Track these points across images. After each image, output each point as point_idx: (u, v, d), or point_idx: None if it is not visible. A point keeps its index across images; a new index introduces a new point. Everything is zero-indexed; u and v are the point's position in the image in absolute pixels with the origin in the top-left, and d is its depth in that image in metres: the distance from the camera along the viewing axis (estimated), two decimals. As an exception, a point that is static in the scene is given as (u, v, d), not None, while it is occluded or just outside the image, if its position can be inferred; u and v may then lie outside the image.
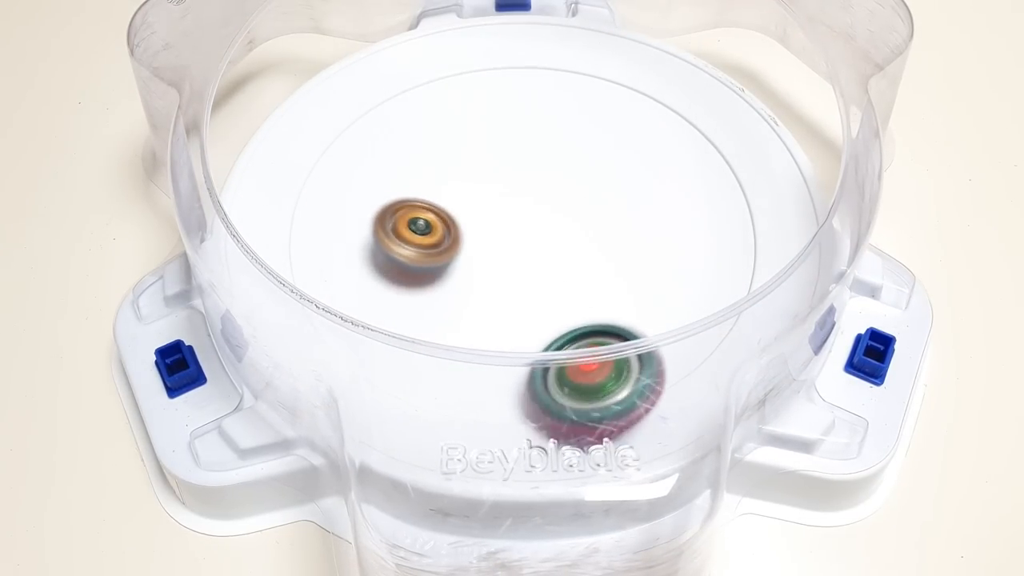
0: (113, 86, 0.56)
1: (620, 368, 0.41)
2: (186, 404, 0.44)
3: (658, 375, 0.41)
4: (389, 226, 0.47)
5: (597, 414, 0.40)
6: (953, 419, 0.47)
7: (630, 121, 0.52)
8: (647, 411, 0.40)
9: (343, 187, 0.49)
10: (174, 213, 0.44)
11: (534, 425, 0.40)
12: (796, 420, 0.43)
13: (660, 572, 0.40)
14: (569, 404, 0.40)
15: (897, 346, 0.45)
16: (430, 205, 0.48)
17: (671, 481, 0.40)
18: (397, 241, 0.46)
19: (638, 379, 0.41)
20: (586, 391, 0.40)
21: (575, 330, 0.44)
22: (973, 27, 0.59)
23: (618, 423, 0.40)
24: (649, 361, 0.41)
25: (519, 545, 0.40)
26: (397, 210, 0.47)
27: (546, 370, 0.41)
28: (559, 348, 0.43)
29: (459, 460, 0.40)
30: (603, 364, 0.40)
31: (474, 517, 0.40)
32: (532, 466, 0.40)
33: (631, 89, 0.53)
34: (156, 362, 0.45)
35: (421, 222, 0.47)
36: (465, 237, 0.48)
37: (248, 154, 0.50)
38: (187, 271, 0.47)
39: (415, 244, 0.46)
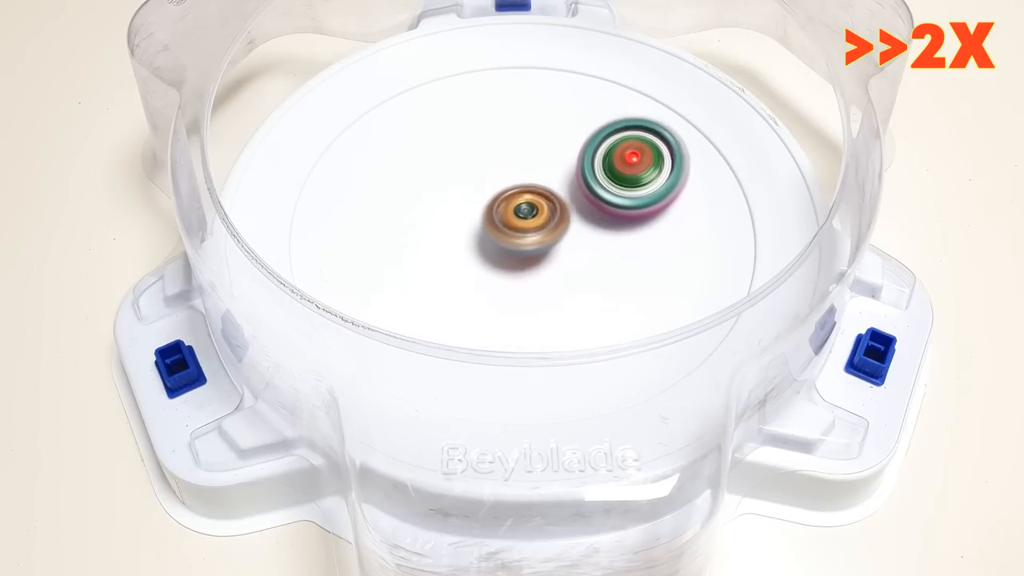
0: (113, 86, 0.56)
1: (656, 163, 0.47)
2: (186, 404, 0.44)
3: (683, 172, 0.47)
4: (498, 219, 0.47)
5: (630, 202, 0.47)
6: (953, 419, 0.47)
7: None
8: (670, 204, 0.48)
9: (343, 187, 0.49)
10: (174, 213, 0.44)
11: (581, 203, 0.48)
12: (796, 420, 0.43)
13: (660, 572, 0.40)
14: (611, 190, 0.47)
15: (897, 346, 0.45)
16: (527, 187, 0.48)
17: (671, 481, 0.40)
18: (511, 232, 0.46)
19: (669, 175, 0.47)
20: (626, 180, 0.47)
21: (617, 122, 0.49)
22: (973, 27, 0.59)
23: (646, 211, 0.47)
24: (679, 161, 0.47)
25: (520, 545, 0.40)
26: (499, 202, 0.47)
27: (593, 157, 0.48)
28: (603, 139, 0.48)
29: (460, 460, 0.40)
30: (643, 158, 0.47)
31: (475, 517, 0.40)
32: (532, 466, 0.40)
33: (631, 89, 0.52)
34: (156, 362, 0.45)
35: (524, 207, 0.47)
36: (466, 236, 0.48)
37: (248, 154, 0.50)
38: (187, 271, 0.47)
39: (527, 229, 0.46)
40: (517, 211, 0.47)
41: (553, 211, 0.47)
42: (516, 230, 0.46)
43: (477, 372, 0.39)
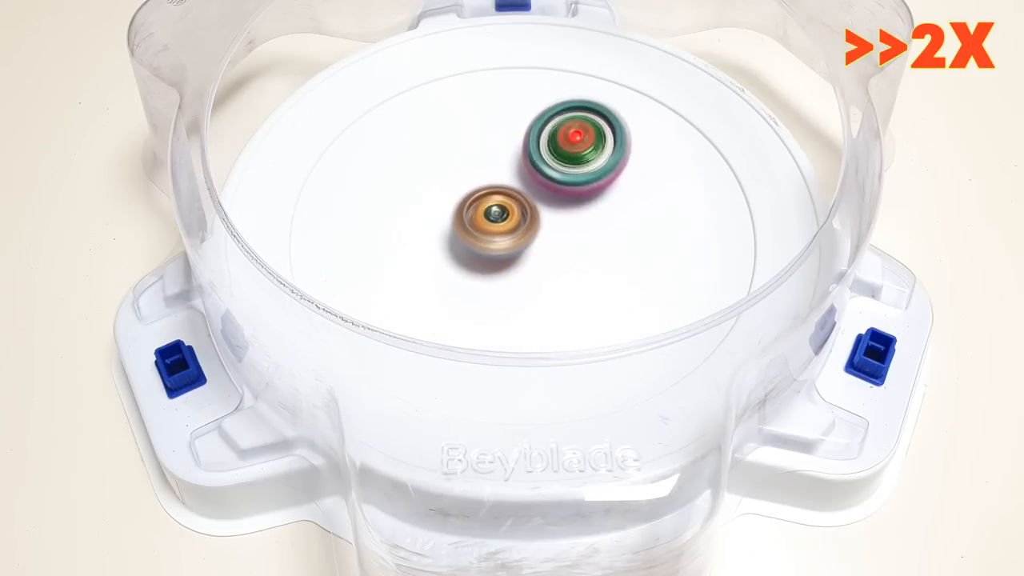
0: (113, 86, 0.56)
1: (598, 141, 0.48)
2: (186, 404, 0.44)
3: (625, 149, 0.49)
4: (467, 220, 0.46)
5: (577, 179, 0.48)
6: (953, 419, 0.47)
7: (630, 121, 0.52)
8: (612, 180, 0.49)
9: (343, 187, 0.49)
10: (174, 213, 0.44)
11: (526, 182, 0.49)
12: (796, 420, 0.43)
13: (660, 572, 0.40)
14: (559, 167, 0.48)
15: (897, 346, 0.45)
16: (497, 188, 0.48)
17: (672, 481, 0.40)
18: (481, 235, 0.46)
19: (612, 153, 0.48)
20: (571, 158, 0.48)
21: (561, 104, 0.50)
22: (973, 27, 0.59)
23: (590, 187, 0.48)
24: (621, 137, 0.49)
25: (520, 545, 0.40)
26: (470, 203, 0.47)
27: (538, 137, 0.49)
28: (548, 119, 0.49)
29: (460, 460, 0.40)
30: (585, 136, 0.48)
31: (475, 517, 0.40)
32: (532, 466, 0.40)
33: (631, 89, 0.52)
34: (156, 362, 0.45)
35: (495, 209, 0.47)
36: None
37: (248, 154, 0.50)
38: (187, 271, 0.47)
39: (498, 232, 0.46)
40: (487, 214, 0.47)
41: (524, 214, 0.47)
42: (485, 233, 0.46)
43: (477, 372, 0.39)
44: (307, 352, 0.42)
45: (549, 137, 0.49)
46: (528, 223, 0.47)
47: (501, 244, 0.46)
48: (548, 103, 0.52)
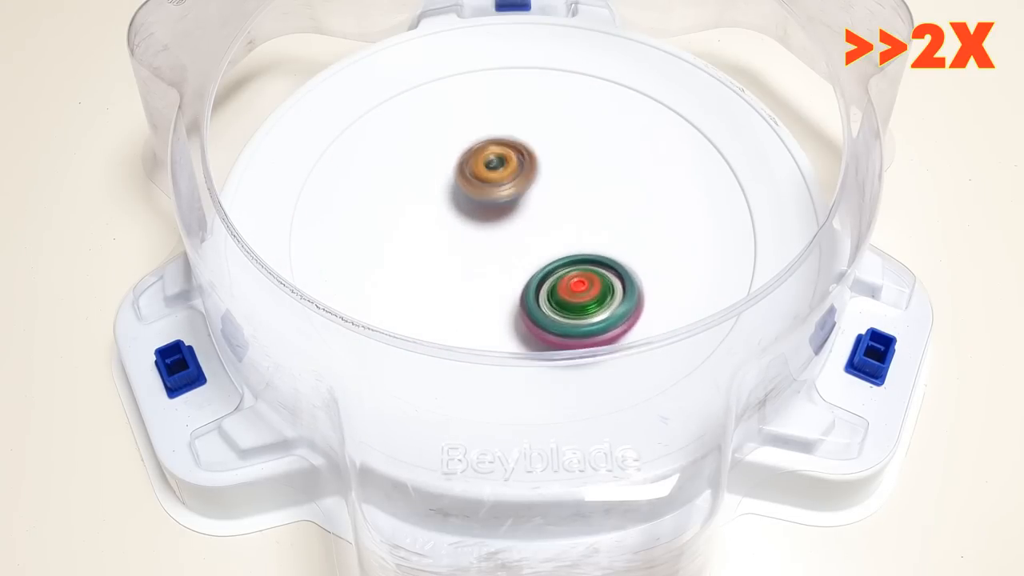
0: (113, 86, 0.56)
1: (605, 293, 0.44)
2: (186, 404, 0.44)
3: (636, 304, 0.44)
4: (468, 172, 0.48)
5: (578, 330, 0.43)
6: (953, 419, 0.47)
7: (630, 121, 0.52)
8: (621, 335, 0.43)
9: (343, 187, 0.49)
10: (174, 213, 0.44)
11: (523, 333, 0.45)
12: (796, 420, 0.43)
13: (660, 572, 0.40)
14: (555, 318, 0.43)
15: (897, 346, 0.45)
16: (496, 140, 0.49)
17: (671, 481, 0.40)
18: (480, 184, 0.47)
19: (619, 305, 0.44)
20: (571, 308, 0.43)
21: (565, 258, 0.46)
22: (973, 27, 0.59)
23: (593, 340, 0.43)
24: (631, 291, 0.44)
25: (519, 545, 0.40)
26: (468, 157, 0.48)
27: (539, 286, 0.45)
28: (548, 273, 0.45)
29: (460, 460, 0.40)
30: (591, 286, 0.44)
31: (475, 517, 0.40)
32: (532, 466, 0.40)
33: (631, 89, 0.53)
34: (156, 362, 0.45)
35: (492, 159, 0.48)
36: (467, 236, 0.48)
37: (248, 154, 0.50)
38: (187, 271, 0.47)
39: (496, 180, 0.47)
40: (487, 164, 0.48)
41: (521, 162, 0.48)
42: (487, 182, 0.47)
43: (477, 372, 0.39)
44: (307, 352, 0.42)
45: (549, 289, 0.44)
46: (526, 169, 0.47)
47: (503, 191, 0.47)
48: (548, 103, 0.52)
